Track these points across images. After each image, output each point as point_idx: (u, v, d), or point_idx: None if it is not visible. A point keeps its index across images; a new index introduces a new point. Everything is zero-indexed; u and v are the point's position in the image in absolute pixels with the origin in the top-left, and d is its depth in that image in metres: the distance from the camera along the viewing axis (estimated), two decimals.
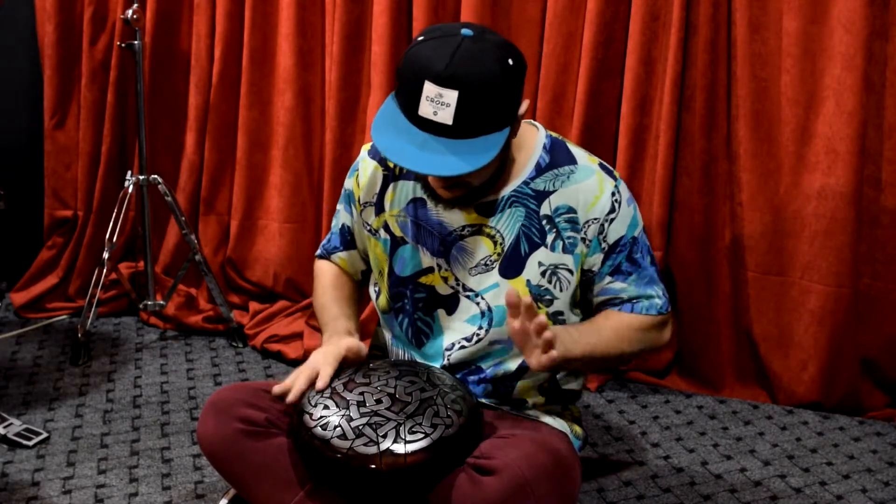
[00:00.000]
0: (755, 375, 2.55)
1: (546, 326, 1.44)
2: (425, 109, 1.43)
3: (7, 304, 3.02)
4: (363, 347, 1.67)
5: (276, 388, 1.60)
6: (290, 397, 1.57)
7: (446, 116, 1.42)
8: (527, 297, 1.46)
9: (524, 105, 1.54)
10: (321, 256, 1.92)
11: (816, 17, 2.27)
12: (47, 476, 2.06)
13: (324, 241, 1.93)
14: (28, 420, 2.29)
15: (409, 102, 1.45)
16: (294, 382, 1.58)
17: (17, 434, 2.20)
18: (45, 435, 2.21)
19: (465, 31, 1.46)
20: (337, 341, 1.67)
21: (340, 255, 1.88)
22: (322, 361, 1.62)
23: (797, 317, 2.42)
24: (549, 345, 1.45)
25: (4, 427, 2.21)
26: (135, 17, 2.60)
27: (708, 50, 2.36)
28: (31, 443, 2.17)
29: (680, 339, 2.60)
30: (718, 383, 2.57)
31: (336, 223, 1.88)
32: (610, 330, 1.67)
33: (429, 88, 1.42)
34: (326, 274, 1.89)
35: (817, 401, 2.45)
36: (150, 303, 2.83)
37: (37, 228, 3.04)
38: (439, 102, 1.42)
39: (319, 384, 1.58)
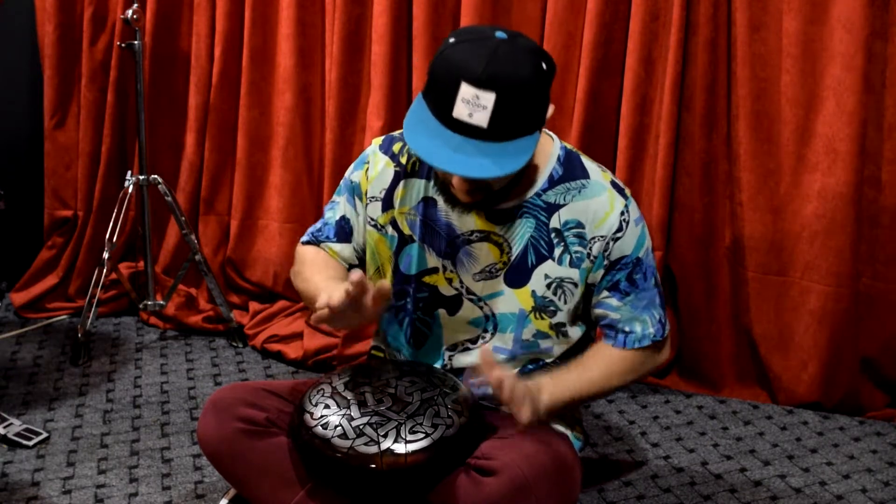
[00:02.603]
0: (755, 375, 2.55)
1: (524, 388, 1.47)
2: (460, 111, 1.42)
3: (7, 304, 3.02)
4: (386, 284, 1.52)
5: (318, 313, 1.47)
6: (335, 302, 1.44)
7: (482, 119, 1.41)
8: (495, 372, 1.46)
9: (550, 109, 1.53)
10: (308, 242, 1.82)
11: (816, 17, 2.27)
12: (47, 476, 2.06)
13: (312, 229, 1.83)
14: (28, 420, 2.29)
15: (442, 104, 1.44)
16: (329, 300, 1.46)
17: (17, 434, 2.20)
18: (45, 435, 2.21)
19: (498, 34, 1.45)
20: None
21: (331, 246, 1.79)
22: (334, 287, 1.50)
23: (797, 317, 2.43)
24: (528, 403, 1.47)
25: (4, 427, 2.21)
26: (135, 17, 2.60)
27: (708, 50, 2.36)
28: (31, 443, 2.17)
29: (680, 339, 2.60)
30: (718, 383, 2.57)
31: (332, 214, 1.80)
32: (598, 370, 1.67)
33: (465, 90, 1.41)
34: (317, 257, 1.78)
35: (817, 401, 2.45)
36: (150, 303, 2.83)
37: (37, 228, 3.04)
38: (476, 104, 1.41)
39: (334, 299, 1.43)
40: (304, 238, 1.84)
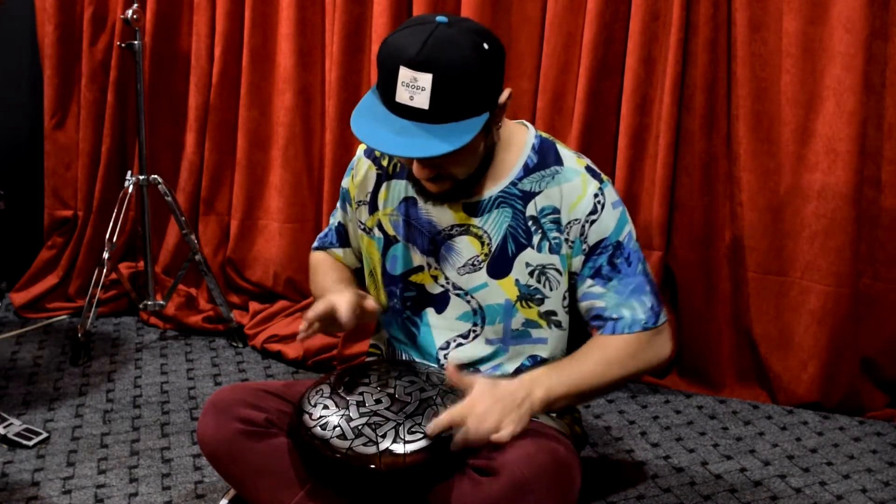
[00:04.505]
0: (755, 375, 2.55)
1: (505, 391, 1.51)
2: (402, 95, 1.44)
3: (7, 304, 3.02)
4: (371, 302, 1.67)
5: (302, 334, 1.61)
6: (311, 329, 1.60)
7: (422, 101, 1.43)
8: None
9: (505, 93, 1.54)
10: (318, 248, 1.95)
11: (816, 17, 2.27)
12: (47, 476, 2.06)
13: (321, 235, 1.96)
14: (28, 420, 2.29)
15: (386, 90, 1.47)
16: (313, 320, 1.60)
17: (17, 434, 2.20)
18: (45, 435, 2.21)
19: (439, 18, 1.48)
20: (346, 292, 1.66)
21: (336, 252, 1.92)
22: (337, 300, 1.61)
23: (797, 317, 2.42)
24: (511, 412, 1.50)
25: (4, 427, 2.21)
26: (135, 17, 2.60)
27: (708, 50, 2.36)
28: (31, 443, 2.17)
29: (680, 339, 2.60)
30: (718, 383, 2.57)
31: (334, 221, 1.92)
32: (594, 360, 1.62)
33: (404, 73, 1.43)
34: (325, 261, 1.91)
35: (817, 401, 2.45)
36: (150, 303, 2.83)
37: (37, 228, 3.04)
38: (414, 87, 1.43)
39: (345, 316, 1.57)
40: (315, 244, 1.96)
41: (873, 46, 2.23)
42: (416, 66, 1.42)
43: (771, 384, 2.51)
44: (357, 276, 1.91)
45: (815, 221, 2.35)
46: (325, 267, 1.89)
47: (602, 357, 1.62)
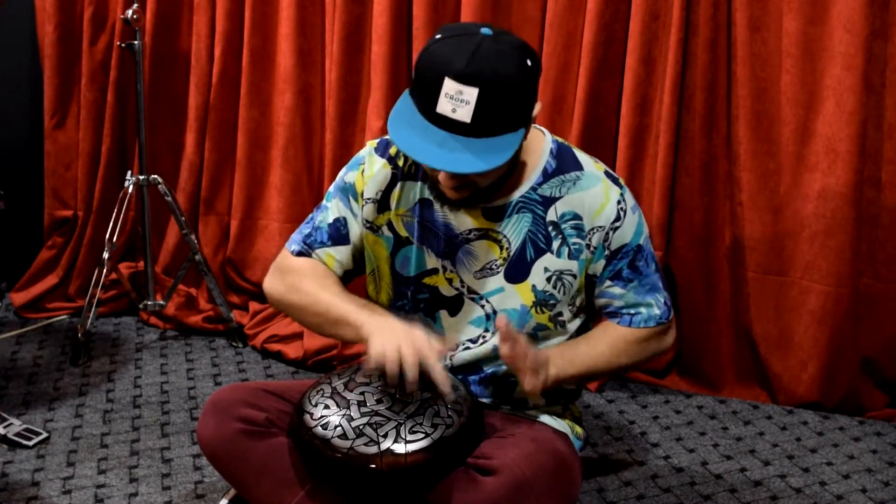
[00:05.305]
0: (755, 375, 2.55)
1: (534, 358, 1.53)
2: (444, 107, 1.43)
3: (7, 304, 3.02)
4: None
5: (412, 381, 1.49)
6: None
7: (465, 114, 1.42)
8: (515, 329, 1.53)
9: (537, 107, 1.54)
10: (300, 253, 1.74)
11: (816, 17, 2.27)
12: (47, 476, 2.06)
13: (300, 237, 1.76)
14: (28, 420, 2.29)
15: (427, 99, 1.45)
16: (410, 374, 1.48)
17: (17, 434, 2.20)
18: (45, 435, 2.21)
19: (484, 30, 1.46)
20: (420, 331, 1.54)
21: (327, 251, 1.73)
22: (427, 349, 1.49)
23: (797, 317, 2.43)
24: (536, 372, 1.53)
25: (4, 427, 2.21)
26: (135, 17, 2.60)
27: (708, 50, 2.36)
28: (31, 443, 2.17)
29: (680, 339, 2.60)
30: (718, 383, 2.57)
31: (324, 217, 1.74)
32: (605, 346, 1.69)
33: (449, 85, 1.41)
34: (315, 270, 1.72)
35: (817, 401, 2.45)
36: (150, 303, 2.83)
37: (37, 228, 3.04)
38: (459, 100, 1.42)
39: (446, 390, 1.49)
40: (295, 248, 1.75)
41: (873, 46, 2.23)
42: (463, 79, 1.41)
43: (771, 384, 2.51)
44: (343, 279, 1.77)
45: (815, 221, 2.35)
46: (317, 278, 1.69)
47: (613, 345, 1.69)
